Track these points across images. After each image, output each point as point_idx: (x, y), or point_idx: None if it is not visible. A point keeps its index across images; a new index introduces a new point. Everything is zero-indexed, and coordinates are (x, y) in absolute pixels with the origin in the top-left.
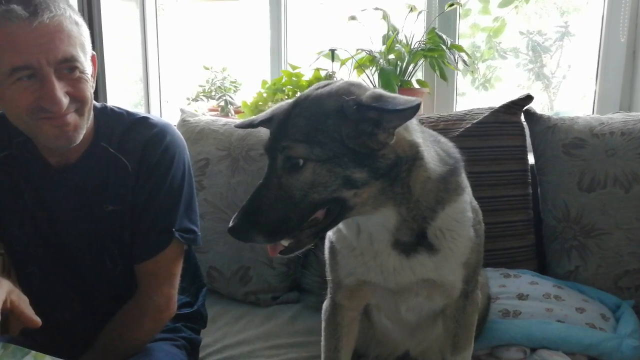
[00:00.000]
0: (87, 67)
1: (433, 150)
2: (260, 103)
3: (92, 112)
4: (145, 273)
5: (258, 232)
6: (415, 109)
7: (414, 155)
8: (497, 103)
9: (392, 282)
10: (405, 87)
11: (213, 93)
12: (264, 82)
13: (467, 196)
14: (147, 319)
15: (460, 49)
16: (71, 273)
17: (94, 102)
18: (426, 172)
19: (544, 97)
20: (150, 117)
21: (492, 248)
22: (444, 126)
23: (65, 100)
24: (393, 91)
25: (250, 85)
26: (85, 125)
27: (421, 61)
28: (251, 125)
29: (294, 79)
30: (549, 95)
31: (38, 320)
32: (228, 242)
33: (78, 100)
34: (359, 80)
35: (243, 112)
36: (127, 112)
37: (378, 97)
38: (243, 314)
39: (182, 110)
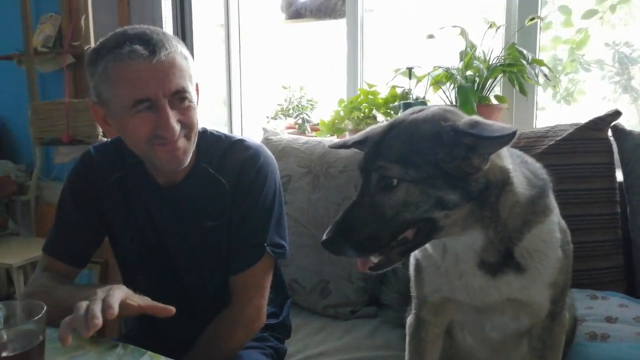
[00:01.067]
0: (194, 96)
1: (521, 173)
2: (337, 121)
3: (197, 136)
4: (239, 284)
5: (350, 246)
6: (512, 136)
7: (504, 181)
8: (580, 117)
9: (477, 301)
10: (483, 103)
11: (291, 111)
12: (341, 101)
13: (555, 217)
14: (239, 328)
15: (541, 63)
16: (173, 283)
17: None
18: (515, 197)
19: (632, 110)
20: (246, 139)
21: (578, 268)
22: (525, 143)
23: (177, 128)
24: (471, 107)
25: (327, 104)
26: (192, 149)
27: (499, 77)
28: (344, 146)
29: (370, 97)
30: (637, 109)
31: (172, 308)
32: (309, 255)
33: (187, 126)
34: (453, 108)
35: (320, 129)
36: (225, 135)
37: (474, 124)
38: (323, 326)
39: (264, 130)
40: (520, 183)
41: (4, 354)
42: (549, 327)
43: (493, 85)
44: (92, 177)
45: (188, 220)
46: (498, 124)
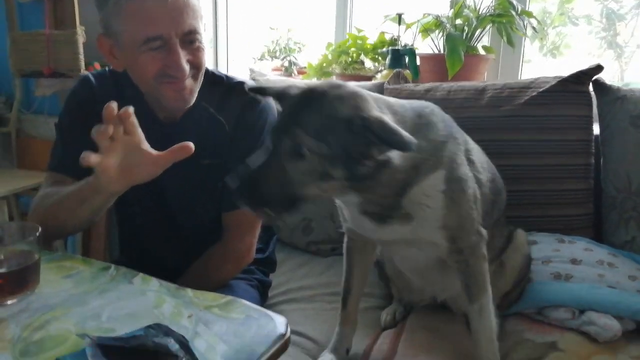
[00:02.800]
0: (204, 37)
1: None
2: (324, 64)
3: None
4: (231, 222)
5: (254, 201)
6: (410, 148)
7: (386, 164)
8: (565, 71)
9: (375, 238)
10: (471, 53)
11: (278, 53)
12: (329, 45)
13: (443, 172)
14: (229, 263)
15: (530, 15)
16: (167, 216)
17: None
18: (393, 171)
19: (615, 66)
20: (247, 81)
21: (549, 214)
22: (508, 94)
23: (187, 68)
24: (458, 57)
25: (315, 47)
26: (197, 89)
27: (488, 27)
28: (262, 92)
29: (359, 42)
30: (620, 65)
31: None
32: None
33: (195, 67)
34: (367, 94)
35: (307, 72)
36: (227, 75)
37: (381, 124)
38: (305, 261)
39: (251, 70)
40: (404, 158)
41: (1, 271)
42: (464, 261)
43: (481, 35)
44: (92, 101)
45: (184, 157)
46: (401, 132)
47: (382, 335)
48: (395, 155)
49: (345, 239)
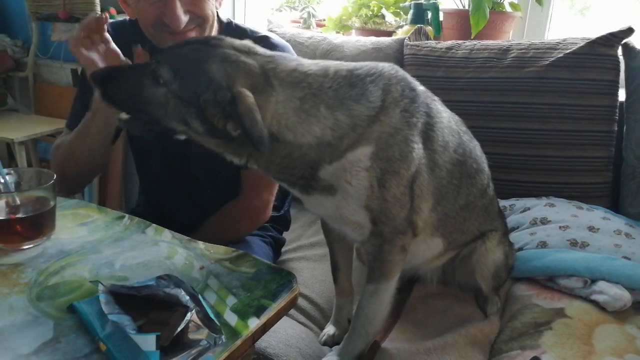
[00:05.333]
0: None
1: (317, 119)
2: (344, 17)
3: (214, 29)
4: (250, 179)
5: (102, 89)
6: (259, 145)
7: (273, 138)
8: (593, 32)
9: (315, 211)
10: (497, 10)
11: (296, 4)
12: None
13: (369, 148)
14: (246, 219)
15: None
16: (185, 171)
17: (221, 18)
18: (295, 150)
19: None
20: (271, 36)
21: (566, 181)
22: (533, 54)
23: (184, 18)
24: (484, 13)
25: None
26: None
27: None
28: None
29: None
30: None
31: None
32: None
33: (199, 17)
34: (244, 62)
35: (326, 25)
36: (251, 29)
37: (249, 109)
38: (316, 219)
39: (268, 21)
40: (302, 134)
41: (18, 216)
42: (379, 245)
43: None
44: None
45: None
46: (259, 124)
47: None
48: (287, 130)
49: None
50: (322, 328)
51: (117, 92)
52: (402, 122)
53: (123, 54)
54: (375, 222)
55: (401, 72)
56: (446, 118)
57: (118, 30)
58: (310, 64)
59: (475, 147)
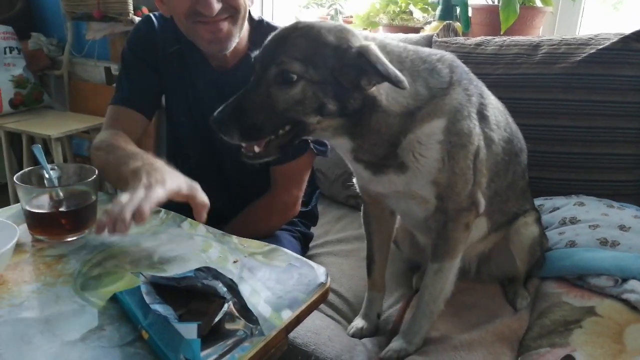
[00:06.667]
0: None
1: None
2: (371, 14)
3: (245, 22)
4: (280, 175)
5: (237, 130)
6: (400, 83)
7: (373, 103)
8: (626, 27)
9: (374, 190)
10: (527, 5)
11: (324, 1)
12: None
13: (442, 121)
14: (275, 214)
15: None
16: (216, 163)
17: (253, 15)
18: (385, 116)
19: None
20: None
21: (597, 179)
22: (565, 50)
23: (217, 6)
24: (514, 9)
25: None
26: (237, 34)
27: None
28: None
29: None
30: None
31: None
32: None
33: (232, 8)
34: (350, 27)
35: (353, 22)
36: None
37: (372, 53)
38: (343, 215)
39: (296, 18)
40: (393, 101)
41: (62, 209)
42: (443, 222)
43: None
44: (154, 40)
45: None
46: (388, 66)
47: (414, 298)
48: (384, 95)
49: (362, 207)
50: (349, 322)
51: (252, 121)
52: (466, 99)
53: (163, 49)
54: (442, 197)
55: (456, 57)
56: (494, 100)
57: (162, 23)
58: (388, 38)
59: (517, 128)
